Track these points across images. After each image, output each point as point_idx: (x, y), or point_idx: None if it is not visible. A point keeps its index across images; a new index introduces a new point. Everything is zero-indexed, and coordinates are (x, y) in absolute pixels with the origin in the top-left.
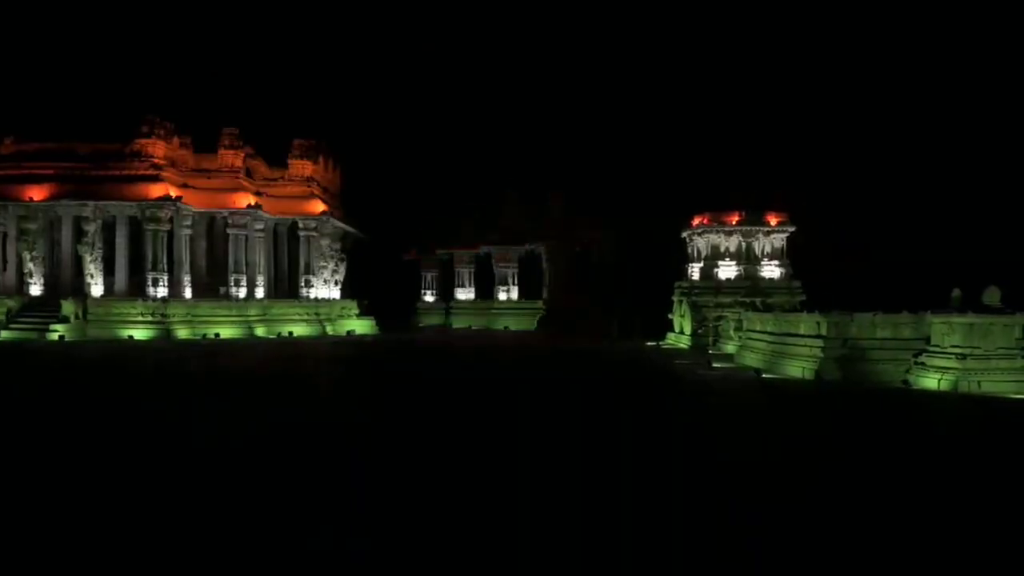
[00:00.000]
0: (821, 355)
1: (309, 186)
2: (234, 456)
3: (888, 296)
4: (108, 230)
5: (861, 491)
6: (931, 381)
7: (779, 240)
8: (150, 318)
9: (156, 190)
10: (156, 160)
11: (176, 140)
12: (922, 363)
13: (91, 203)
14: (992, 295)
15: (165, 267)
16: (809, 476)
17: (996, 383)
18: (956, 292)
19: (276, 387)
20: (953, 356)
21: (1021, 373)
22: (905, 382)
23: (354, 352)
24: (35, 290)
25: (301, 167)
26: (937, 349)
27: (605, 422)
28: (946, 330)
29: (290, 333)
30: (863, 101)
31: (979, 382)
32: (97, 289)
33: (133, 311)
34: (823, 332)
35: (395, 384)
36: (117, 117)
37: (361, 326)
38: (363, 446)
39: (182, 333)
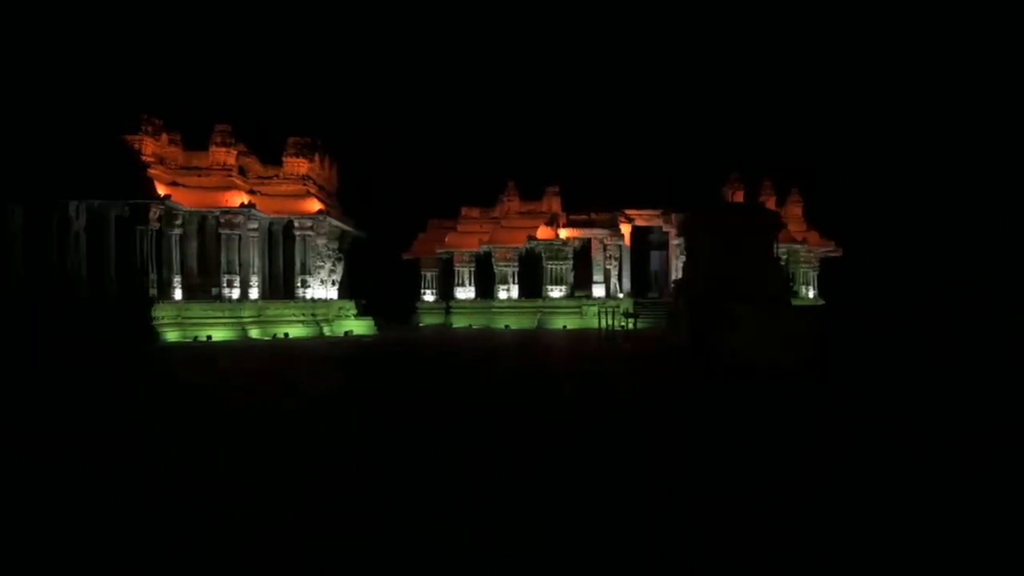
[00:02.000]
0: None
1: (305, 184)
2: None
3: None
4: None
5: None
6: None
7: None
8: None
9: (144, 188)
10: (144, 157)
11: (165, 136)
12: None
13: (74, 202)
14: None
15: (154, 268)
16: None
17: None
18: None
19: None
20: None
21: None
22: None
23: (351, 353)
24: None
25: (296, 165)
26: None
27: (608, 423)
28: None
29: (286, 334)
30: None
31: None
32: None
33: None
34: None
35: (394, 389)
36: (103, 113)
37: (359, 326)
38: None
39: (171, 336)
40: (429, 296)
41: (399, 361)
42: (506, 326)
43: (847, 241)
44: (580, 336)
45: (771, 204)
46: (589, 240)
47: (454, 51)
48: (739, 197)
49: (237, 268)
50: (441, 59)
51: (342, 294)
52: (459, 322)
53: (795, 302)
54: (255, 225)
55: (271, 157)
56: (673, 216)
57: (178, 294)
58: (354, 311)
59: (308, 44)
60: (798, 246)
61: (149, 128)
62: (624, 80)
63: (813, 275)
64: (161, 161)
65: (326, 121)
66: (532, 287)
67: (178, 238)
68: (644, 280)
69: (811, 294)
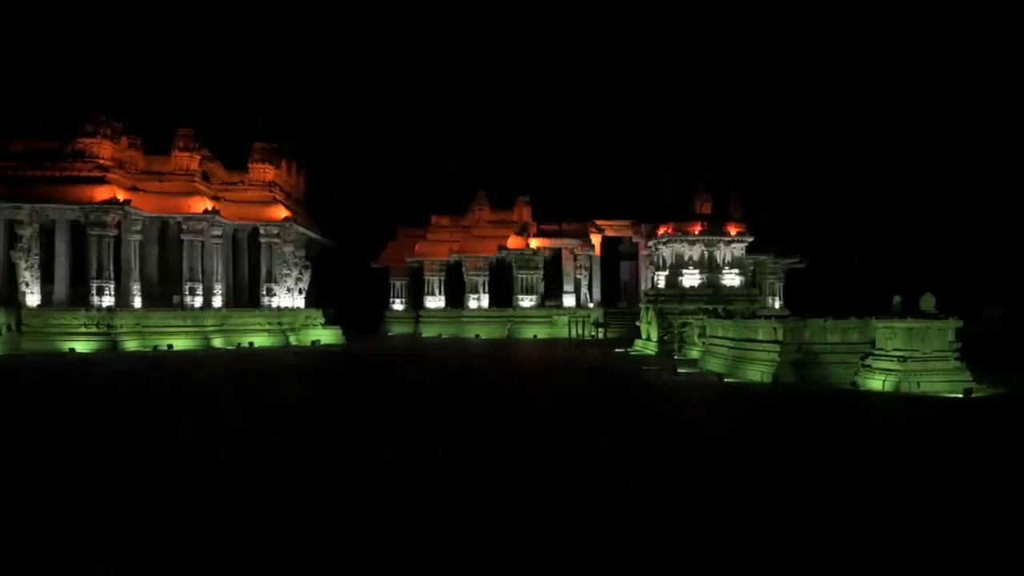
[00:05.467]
0: (778, 359)
1: (271, 191)
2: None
3: (837, 303)
4: (46, 235)
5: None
6: (876, 383)
7: (739, 249)
8: (94, 329)
9: (101, 192)
10: (101, 161)
11: (125, 140)
12: (868, 365)
13: (26, 205)
14: (928, 301)
15: (112, 275)
16: (765, 475)
17: (933, 383)
18: (897, 299)
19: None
20: (895, 358)
21: (953, 374)
22: (853, 384)
23: (320, 364)
24: None
25: (262, 171)
26: (881, 352)
27: (582, 426)
28: (889, 334)
29: (251, 344)
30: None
31: (918, 382)
32: (33, 299)
33: (75, 322)
34: (779, 337)
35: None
36: (58, 114)
37: (327, 335)
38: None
39: (130, 345)
40: (398, 305)
41: (373, 372)
42: (476, 335)
43: (810, 252)
44: (551, 345)
45: (738, 214)
46: (559, 250)
47: (427, 57)
48: (707, 209)
49: (200, 276)
50: (412, 65)
51: (309, 303)
52: (429, 331)
53: (762, 312)
54: (219, 232)
55: (236, 163)
56: (643, 227)
57: (137, 302)
58: (321, 320)
59: (277, 48)
60: (764, 257)
61: (107, 131)
62: (596, 90)
63: (779, 286)
64: (120, 165)
65: (295, 126)
66: (503, 296)
67: (138, 244)
68: (614, 290)
69: (777, 304)
